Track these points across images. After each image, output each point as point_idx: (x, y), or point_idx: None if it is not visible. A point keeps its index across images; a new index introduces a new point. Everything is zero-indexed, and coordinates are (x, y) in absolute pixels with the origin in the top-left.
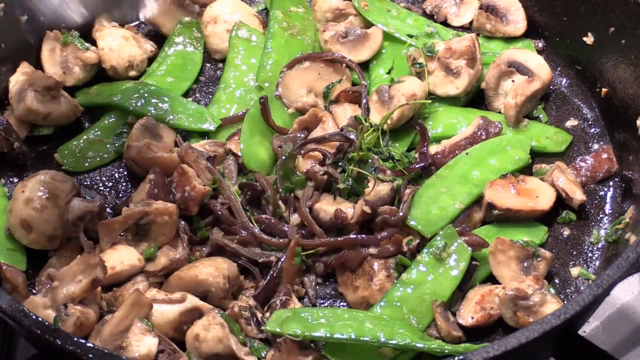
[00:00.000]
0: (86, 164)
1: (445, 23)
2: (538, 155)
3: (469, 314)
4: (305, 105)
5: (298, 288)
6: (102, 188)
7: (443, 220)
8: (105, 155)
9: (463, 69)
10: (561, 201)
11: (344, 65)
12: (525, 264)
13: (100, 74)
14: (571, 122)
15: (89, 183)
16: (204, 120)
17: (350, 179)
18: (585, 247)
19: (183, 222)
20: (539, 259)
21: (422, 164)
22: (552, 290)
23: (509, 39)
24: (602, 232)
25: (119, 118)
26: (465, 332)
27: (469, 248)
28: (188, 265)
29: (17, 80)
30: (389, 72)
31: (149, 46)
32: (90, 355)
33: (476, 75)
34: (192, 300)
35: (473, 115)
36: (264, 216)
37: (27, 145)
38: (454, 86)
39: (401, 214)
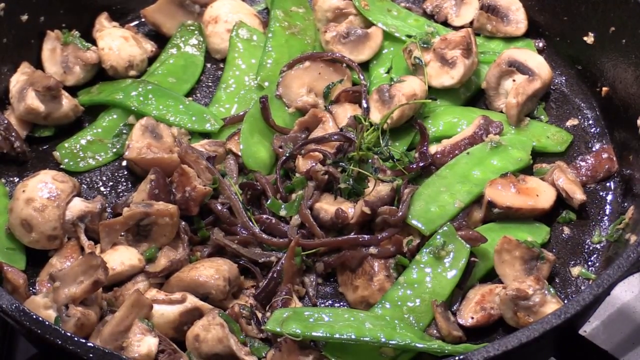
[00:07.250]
0: (86, 164)
1: (445, 23)
2: (538, 154)
3: (469, 313)
4: (305, 104)
5: (298, 288)
6: (102, 188)
7: (442, 218)
8: (105, 156)
9: (458, 59)
10: (561, 201)
11: (345, 65)
12: (528, 265)
13: (100, 74)
14: (572, 122)
15: (89, 183)
16: (206, 120)
17: (351, 179)
18: (586, 247)
19: (183, 223)
20: (543, 260)
21: (422, 164)
22: (553, 290)
23: (510, 39)
24: (603, 232)
25: (120, 117)
26: (466, 332)
27: (467, 245)
28: (188, 267)
29: (17, 80)
30: (388, 72)
31: (149, 46)
32: (91, 355)
33: (472, 66)
34: (192, 301)
35: (474, 115)
36: (264, 216)
37: (28, 145)
38: (449, 76)
39: (400, 214)
